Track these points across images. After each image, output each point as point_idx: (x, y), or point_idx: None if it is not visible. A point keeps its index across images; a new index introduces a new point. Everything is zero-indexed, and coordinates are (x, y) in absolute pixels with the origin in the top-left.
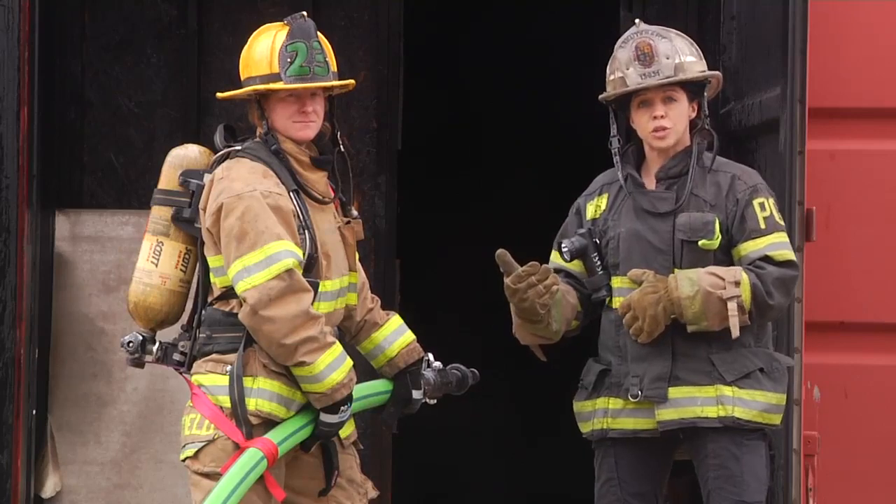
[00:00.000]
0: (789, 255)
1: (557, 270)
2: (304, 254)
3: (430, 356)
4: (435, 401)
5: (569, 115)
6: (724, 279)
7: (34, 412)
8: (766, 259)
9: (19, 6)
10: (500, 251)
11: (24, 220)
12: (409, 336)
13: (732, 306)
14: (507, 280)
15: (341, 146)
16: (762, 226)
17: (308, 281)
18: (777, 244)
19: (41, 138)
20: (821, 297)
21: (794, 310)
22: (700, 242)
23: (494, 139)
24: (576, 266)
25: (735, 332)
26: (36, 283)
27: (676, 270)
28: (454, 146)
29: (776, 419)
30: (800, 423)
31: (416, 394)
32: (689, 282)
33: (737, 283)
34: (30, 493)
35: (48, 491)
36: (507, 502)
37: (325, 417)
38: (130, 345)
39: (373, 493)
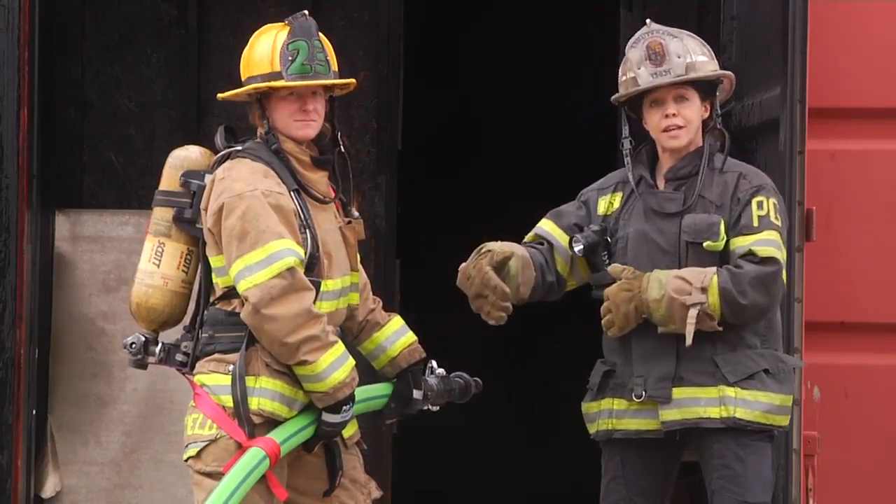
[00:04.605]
0: (772, 251)
1: (540, 238)
2: (305, 253)
3: (434, 363)
4: (438, 408)
5: (569, 114)
6: (691, 284)
7: (34, 412)
8: (750, 254)
9: (19, 6)
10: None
11: (24, 220)
12: (410, 336)
13: (692, 314)
14: (472, 282)
15: (342, 146)
16: (755, 223)
17: (310, 280)
18: (764, 240)
19: (41, 138)
20: (821, 297)
21: (794, 310)
22: (705, 244)
23: (494, 139)
24: (561, 237)
25: (688, 341)
26: (36, 283)
27: (655, 271)
28: (454, 146)
29: (781, 420)
30: (800, 423)
31: (417, 393)
32: (658, 284)
33: (703, 290)
34: (30, 493)
35: (48, 491)
36: (507, 502)
37: (328, 417)
38: (133, 346)
39: (376, 494)
